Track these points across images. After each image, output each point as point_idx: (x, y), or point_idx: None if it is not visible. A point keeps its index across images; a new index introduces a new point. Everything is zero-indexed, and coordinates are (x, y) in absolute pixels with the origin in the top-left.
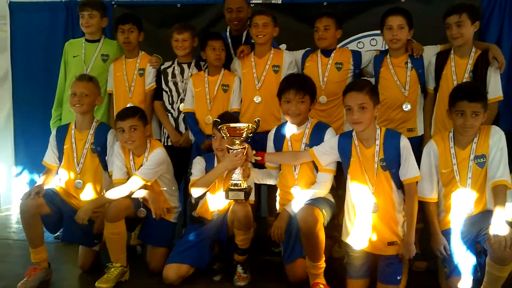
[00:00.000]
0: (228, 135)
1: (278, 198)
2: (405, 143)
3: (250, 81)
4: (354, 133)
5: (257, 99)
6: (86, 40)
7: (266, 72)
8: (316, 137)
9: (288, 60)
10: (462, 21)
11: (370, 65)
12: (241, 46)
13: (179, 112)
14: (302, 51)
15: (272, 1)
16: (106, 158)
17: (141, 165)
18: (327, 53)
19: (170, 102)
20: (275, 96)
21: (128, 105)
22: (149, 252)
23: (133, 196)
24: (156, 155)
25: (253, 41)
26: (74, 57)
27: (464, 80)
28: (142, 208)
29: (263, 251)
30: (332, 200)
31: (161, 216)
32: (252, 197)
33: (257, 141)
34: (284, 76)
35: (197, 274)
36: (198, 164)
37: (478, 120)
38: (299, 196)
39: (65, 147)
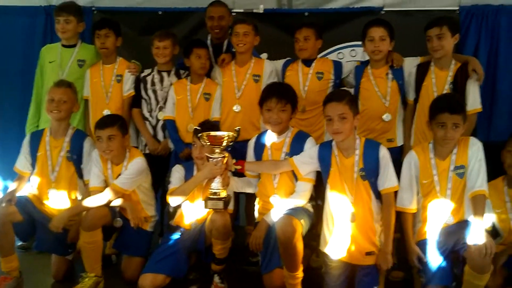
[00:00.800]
0: (208, 143)
1: (257, 207)
2: (384, 153)
3: (230, 90)
4: (334, 143)
5: (237, 108)
6: (63, 45)
7: (246, 81)
8: (297, 146)
9: (269, 69)
10: (443, 34)
11: (351, 75)
12: (222, 55)
13: (157, 120)
14: (282, 61)
15: (254, 10)
16: (82, 166)
17: (119, 174)
18: (307, 62)
19: (149, 110)
20: (254, 105)
21: (104, 112)
22: (125, 261)
23: (110, 204)
24: (136, 164)
25: (234, 49)
26: (50, 62)
27: (444, 92)
28: (118, 218)
29: (240, 260)
30: (311, 209)
31: (139, 226)
32: (231, 206)
33: (237, 149)
34: (264, 86)
35: (173, 284)
36: (177, 173)
37: (459, 132)
38: (278, 206)
39: (38, 154)
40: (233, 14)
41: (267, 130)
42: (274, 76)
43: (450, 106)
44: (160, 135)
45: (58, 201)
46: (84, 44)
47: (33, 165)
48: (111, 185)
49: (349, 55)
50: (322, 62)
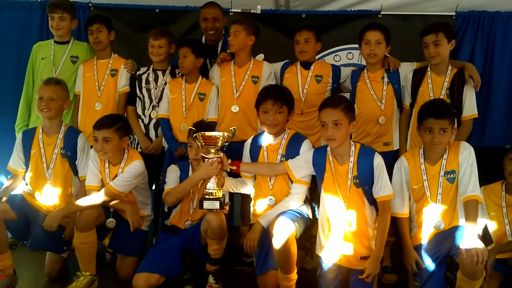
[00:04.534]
0: (203, 143)
1: (251, 209)
2: (378, 162)
3: (228, 90)
4: (328, 149)
5: (235, 108)
6: (56, 42)
7: (245, 82)
8: (292, 149)
9: (268, 71)
10: (439, 40)
11: (348, 80)
12: (222, 53)
13: (150, 118)
14: (281, 63)
15: (251, 11)
16: (77, 162)
17: (116, 175)
18: (306, 65)
19: (142, 108)
20: (252, 106)
21: (96, 105)
22: (119, 260)
23: (109, 205)
24: (134, 167)
25: (228, 50)
26: (42, 59)
27: (441, 97)
28: (111, 219)
29: (235, 261)
30: (306, 212)
31: (138, 227)
32: (226, 206)
33: (233, 150)
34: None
35: (167, 284)
36: (172, 173)
37: (446, 137)
38: (273, 208)
39: (32, 152)
40: (231, 14)
41: (263, 132)
42: (273, 78)
43: (436, 111)
44: (152, 134)
45: (53, 198)
46: (76, 41)
47: (26, 163)
48: (106, 185)
49: (346, 57)
50: (321, 65)
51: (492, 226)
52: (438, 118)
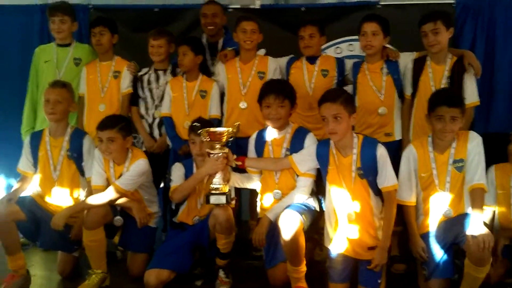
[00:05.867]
0: (208, 139)
1: (259, 203)
2: (381, 152)
3: (236, 87)
4: (332, 142)
5: (243, 104)
6: (58, 44)
7: (251, 78)
8: (297, 142)
9: (273, 66)
10: (438, 28)
11: (351, 72)
12: (225, 51)
13: (154, 118)
14: (286, 58)
15: (251, 6)
16: (83, 164)
17: (121, 174)
18: (312, 60)
19: (145, 108)
20: None
21: (100, 106)
22: (130, 257)
23: (116, 203)
24: (138, 166)
25: (228, 48)
26: (45, 62)
27: (442, 86)
28: (119, 217)
29: (244, 255)
30: (313, 204)
31: (145, 224)
32: (233, 201)
33: (241, 146)
34: None
35: (178, 279)
36: (177, 171)
37: (457, 125)
38: (279, 201)
39: (40, 154)
40: (230, 10)
41: (268, 127)
42: (278, 73)
43: (448, 100)
44: (156, 133)
45: (61, 199)
46: (78, 43)
47: (35, 165)
48: (112, 184)
49: (347, 49)
50: (326, 59)
51: (498, 208)
52: (450, 106)
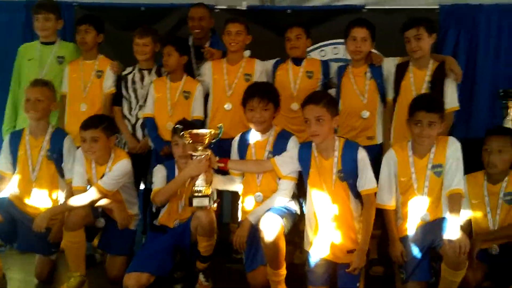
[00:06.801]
0: (190, 141)
1: (240, 206)
2: (362, 156)
3: (221, 88)
4: (313, 144)
5: (228, 106)
6: (42, 42)
7: (237, 79)
8: (280, 145)
9: (260, 69)
10: (420, 34)
11: (336, 75)
12: (211, 49)
13: (137, 119)
14: (272, 61)
15: (237, 7)
16: (63, 165)
17: (103, 174)
18: (297, 61)
19: (129, 108)
20: None
21: (81, 106)
22: (109, 260)
23: (97, 204)
24: (121, 166)
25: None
26: (29, 60)
27: (423, 91)
28: (101, 218)
29: (224, 258)
30: (294, 207)
31: (126, 226)
32: (215, 203)
33: (225, 149)
34: None
35: (158, 282)
36: (159, 173)
37: (435, 130)
38: (261, 204)
39: (19, 153)
40: (216, 11)
41: (251, 129)
42: (264, 76)
43: (427, 105)
44: (139, 134)
45: (40, 200)
46: (62, 42)
47: (14, 165)
48: (94, 184)
49: (332, 52)
50: (312, 61)
51: (473, 215)
52: (428, 111)
